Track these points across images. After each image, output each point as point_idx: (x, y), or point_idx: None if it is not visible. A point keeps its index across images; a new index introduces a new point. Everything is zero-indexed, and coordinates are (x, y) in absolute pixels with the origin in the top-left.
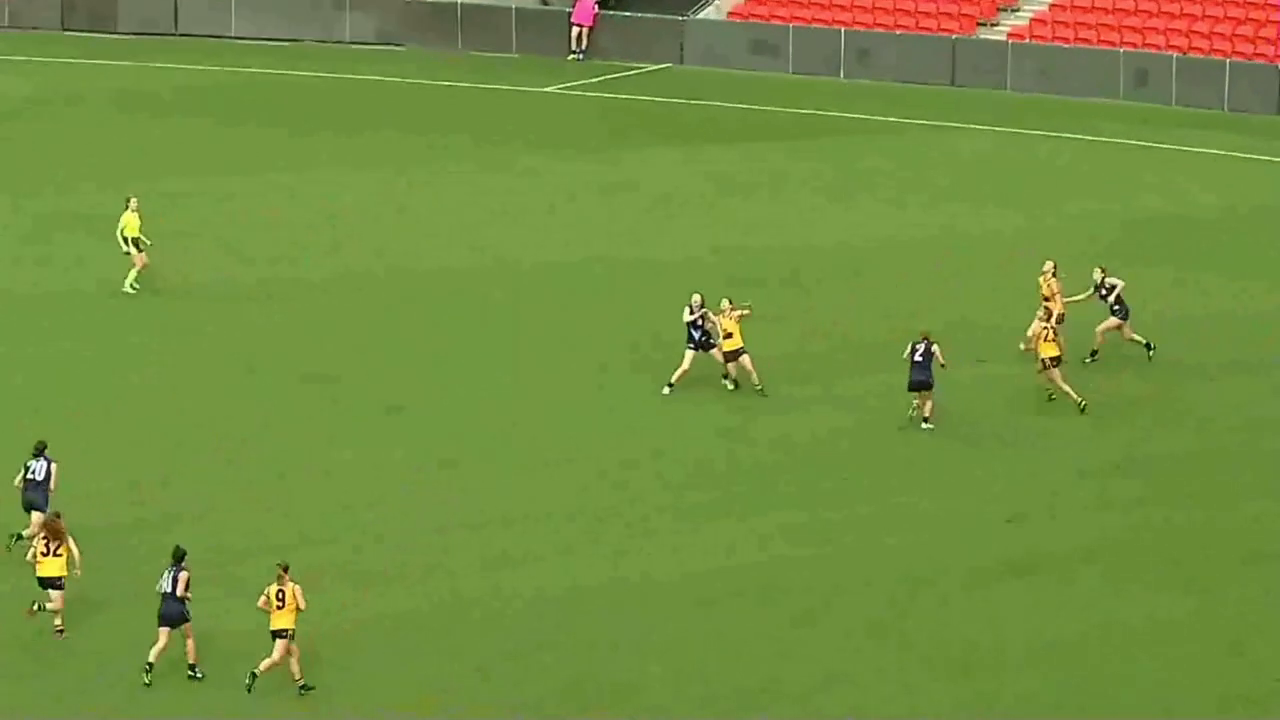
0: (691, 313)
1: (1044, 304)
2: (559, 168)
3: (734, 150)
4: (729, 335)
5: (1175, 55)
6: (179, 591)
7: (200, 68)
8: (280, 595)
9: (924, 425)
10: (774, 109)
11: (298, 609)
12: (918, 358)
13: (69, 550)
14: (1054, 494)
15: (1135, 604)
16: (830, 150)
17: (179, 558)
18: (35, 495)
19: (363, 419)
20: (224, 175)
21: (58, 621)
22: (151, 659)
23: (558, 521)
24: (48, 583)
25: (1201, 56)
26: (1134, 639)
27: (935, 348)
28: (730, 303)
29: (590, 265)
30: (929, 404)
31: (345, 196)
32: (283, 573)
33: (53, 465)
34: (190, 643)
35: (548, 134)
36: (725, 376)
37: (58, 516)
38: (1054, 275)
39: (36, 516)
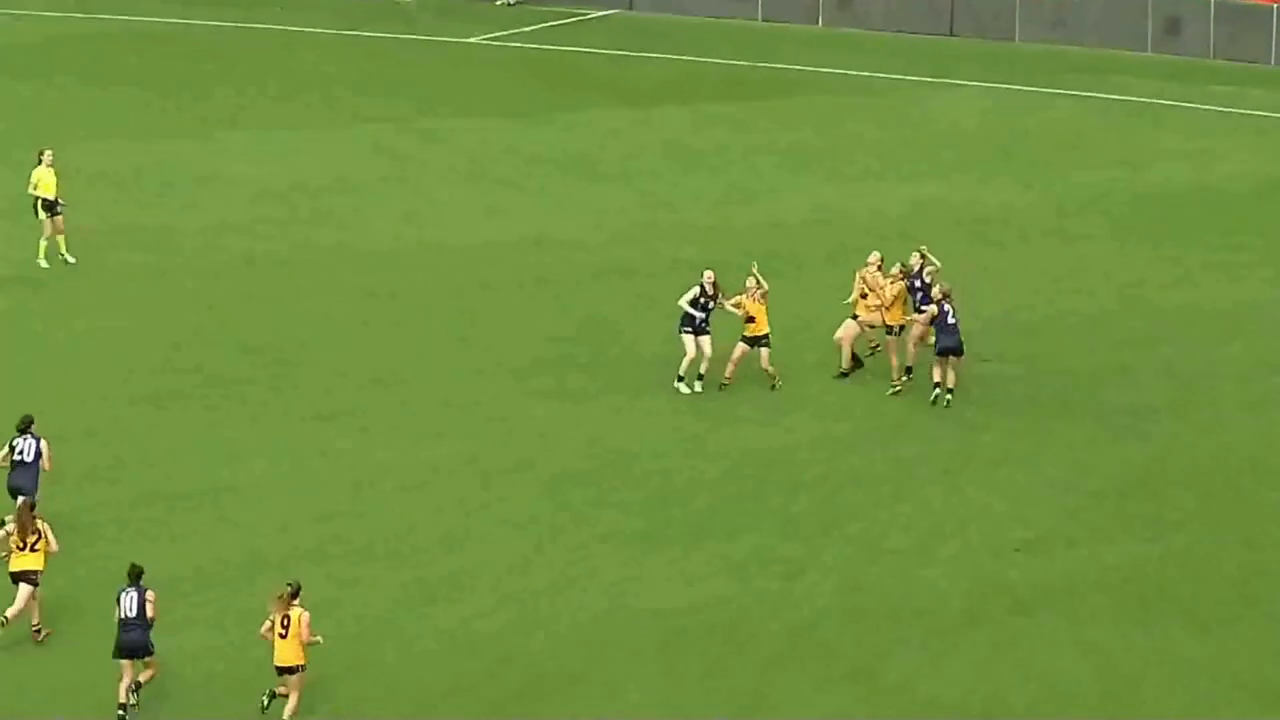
0: (703, 293)
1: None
2: (484, 134)
3: (692, 113)
4: (751, 319)
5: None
6: (148, 615)
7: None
8: (285, 622)
9: (946, 398)
10: (741, 63)
11: (303, 642)
12: (950, 320)
13: (47, 544)
14: (1070, 516)
15: (1155, 646)
16: (806, 112)
17: (136, 576)
18: (22, 479)
19: (279, 429)
20: (85, 141)
21: (35, 621)
22: (122, 698)
23: (491, 547)
24: (19, 577)
25: (1245, 1)
26: (1153, 685)
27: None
28: (758, 281)
29: (520, 248)
30: (953, 374)
31: (227, 166)
32: (287, 596)
33: (42, 443)
34: (150, 674)
35: (471, 94)
36: (698, 379)
37: (32, 507)
38: (879, 269)
39: (23, 501)
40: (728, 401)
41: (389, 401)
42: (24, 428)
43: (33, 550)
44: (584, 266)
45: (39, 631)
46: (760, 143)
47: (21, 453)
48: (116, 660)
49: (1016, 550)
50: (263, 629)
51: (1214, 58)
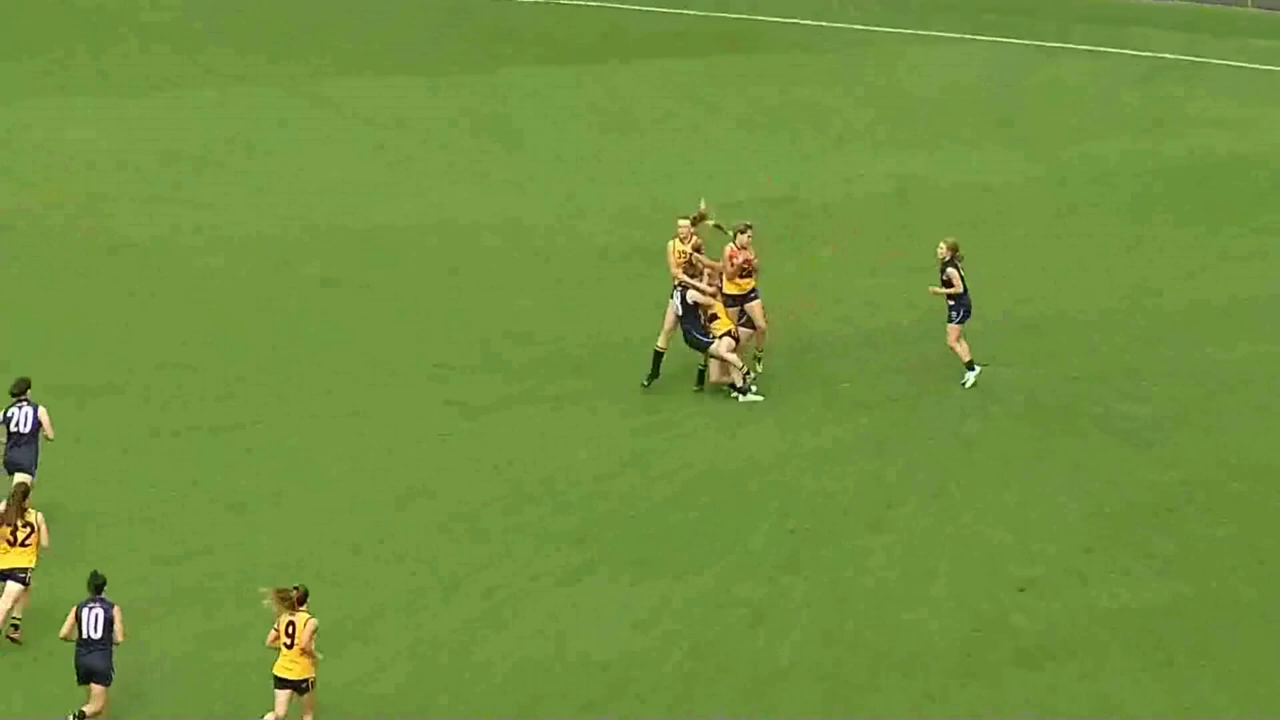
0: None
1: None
2: (387, 96)
3: (636, 71)
4: (714, 318)
5: None
6: (116, 635)
7: None
8: (290, 630)
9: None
10: (692, 14)
11: (308, 655)
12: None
13: (39, 537)
14: (1080, 547)
15: (1181, 703)
16: (768, 70)
17: (99, 588)
18: (22, 454)
19: (149, 447)
20: None
21: (15, 616)
22: None
23: (389, 588)
24: (6, 575)
25: None
26: None
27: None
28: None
29: (429, 233)
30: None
31: (81, 134)
32: (294, 599)
33: (41, 410)
34: (99, 707)
35: (372, 48)
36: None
37: (25, 494)
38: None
39: (21, 479)
40: (676, 411)
41: (279, 413)
42: (19, 393)
43: (22, 545)
44: (503, 254)
45: (16, 629)
46: (711, 107)
47: (18, 424)
48: (83, 685)
49: (1020, 590)
50: (270, 637)
51: (1252, 6)
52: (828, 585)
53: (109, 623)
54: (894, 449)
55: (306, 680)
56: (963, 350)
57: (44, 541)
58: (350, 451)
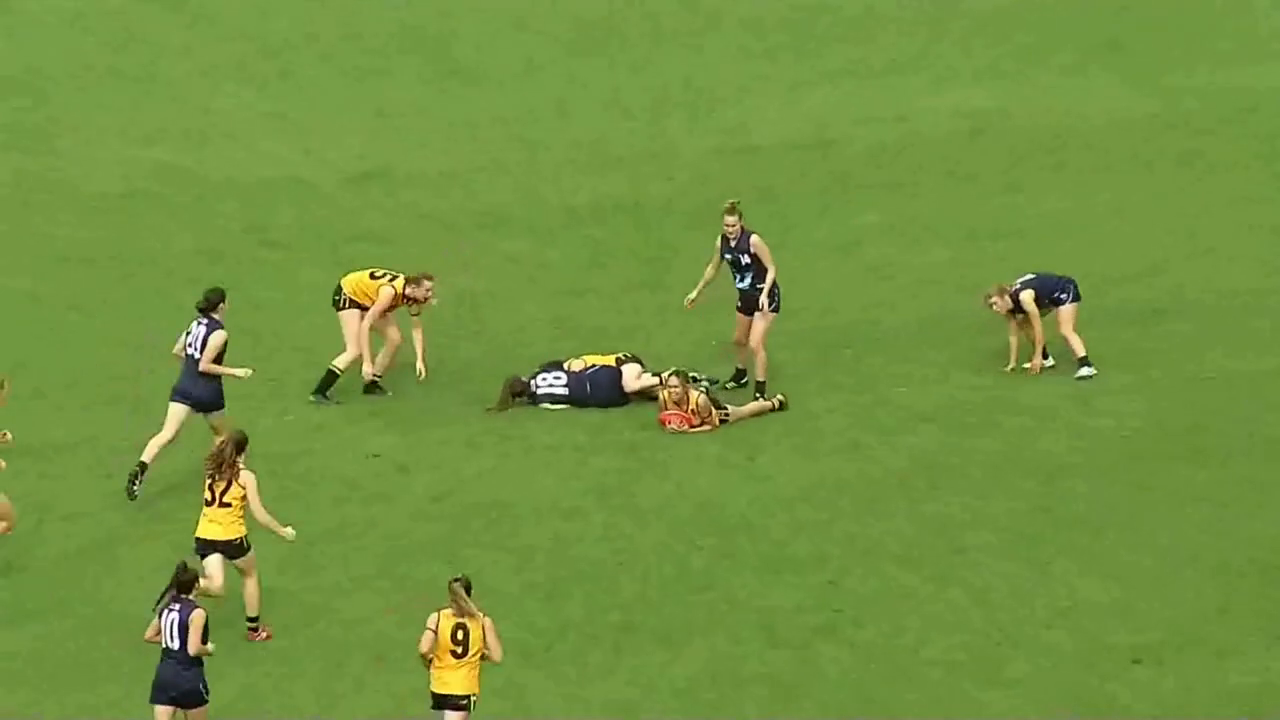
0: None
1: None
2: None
3: None
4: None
5: None
6: (191, 646)
7: None
8: (461, 635)
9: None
10: None
11: (481, 661)
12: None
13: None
14: (1204, 606)
15: None
16: None
17: (185, 584)
18: (192, 382)
19: None
20: None
21: (251, 610)
22: None
23: (274, 665)
24: (207, 546)
25: None
26: None
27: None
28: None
29: (323, 186)
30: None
31: None
32: (461, 592)
33: (215, 335)
34: None
35: None
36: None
37: (240, 447)
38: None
39: (215, 420)
40: (647, 439)
41: (115, 428)
42: (206, 307)
43: (221, 504)
44: (428, 215)
45: (256, 629)
46: (711, 15)
47: (191, 343)
48: (154, 705)
49: (1135, 662)
50: (423, 644)
51: None
52: (877, 656)
53: (185, 629)
54: (960, 476)
55: (472, 698)
56: (1077, 342)
57: (255, 505)
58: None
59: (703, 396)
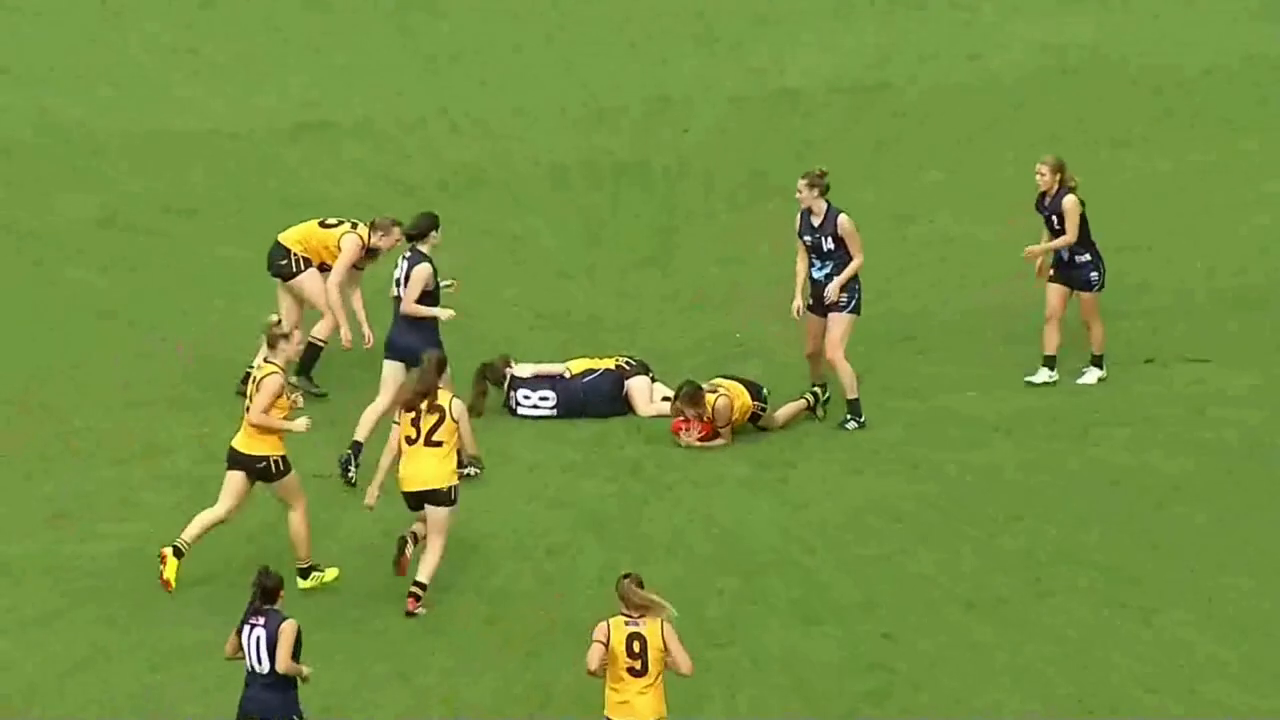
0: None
1: None
2: None
3: None
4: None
5: None
6: (281, 663)
7: None
8: (638, 647)
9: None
10: None
11: (661, 673)
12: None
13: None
14: None
15: None
16: None
17: (269, 592)
18: (402, 331)
19: None
20: None
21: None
22: None
23: None
24: (419, 498)
25: None
26: None
27: None
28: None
29: (258, 139)
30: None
31: None
32: (634, 589)
33: (419, 268)
34: None
35: None
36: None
37: (439, 368)
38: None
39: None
40: (669, 449)
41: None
42: (417, 234)
43: (429, 443)
44: (380, 176)
45: (419, 599)
46: None
47: (398, 279)
48: None
49: None
50: (593, 661)
51: None
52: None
53: (273, 645)
54: (1043, 502)
55: None
56: (1098, 328)
57: (465, 438)
58: (95, 504)
59: (722, 399)
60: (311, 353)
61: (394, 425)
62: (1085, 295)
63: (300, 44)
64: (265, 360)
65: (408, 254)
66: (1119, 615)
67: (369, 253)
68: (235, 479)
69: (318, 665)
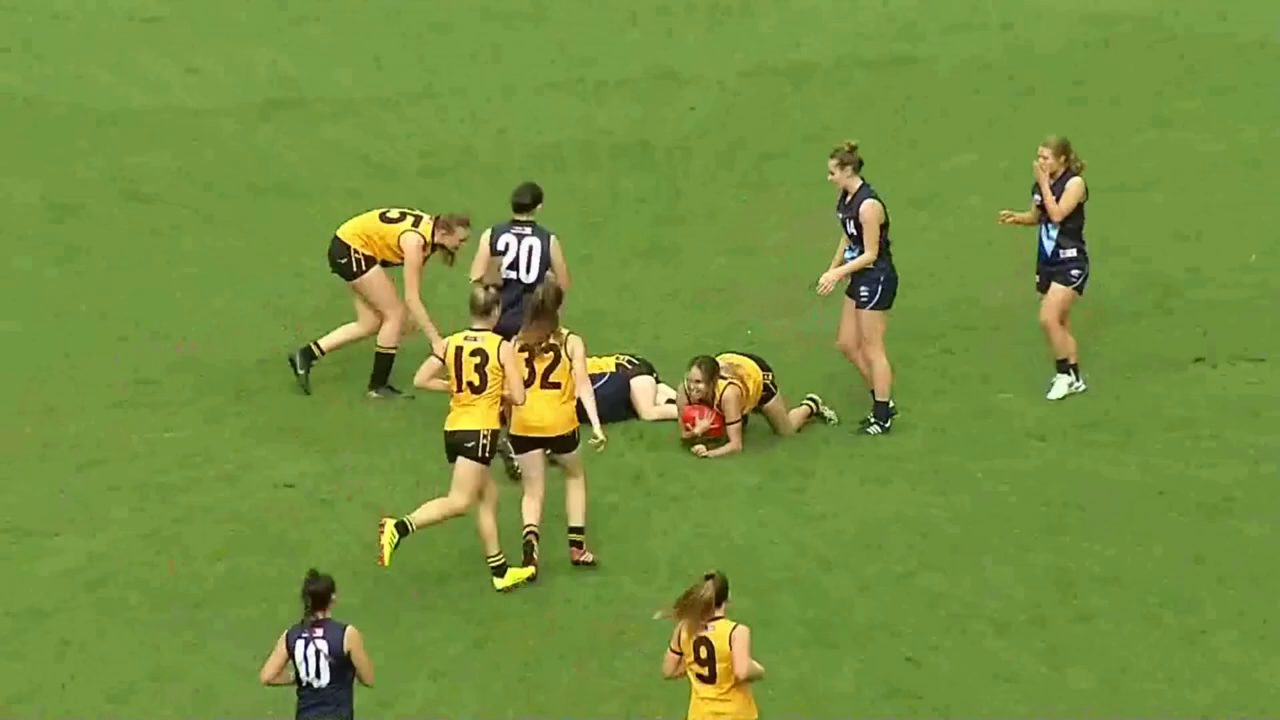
0: None
1: None
2: None
3: None
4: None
5: None
6: (363, 670)
7: None
8: (705, 653)
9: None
10: None
11: (738, 685)
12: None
13: (572, 373)
14: None
15: None
16: None
17: (321, 597)
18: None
19: None
20: None
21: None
22: None
23: None
24: (555, 445)
25: None
26: None
27: None
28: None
29: (225, 116)
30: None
31: None
32: (711, 596)
33: (554, 243)
34: None
35: None
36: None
37: (558, 299)
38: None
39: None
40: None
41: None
42: (525, 205)
43: (546, 385)
44: (357, 157)
45: (582, 545)
46: None
47: (516, 263)
48: None
49: None
50: (665, 666)
51: None
52: None
53: (337, 660)
54: (1084, 515)
55: None
56: (1063, 339)
57: (580, 383)
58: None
59: (731, 389)
60: (383, 363)
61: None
62: (1060, 290)
63: (273, 14)
64: (477, 329)
65: (516, 230)
66: (1164, 638)
67: (435, 250)
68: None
69: (287, 693)
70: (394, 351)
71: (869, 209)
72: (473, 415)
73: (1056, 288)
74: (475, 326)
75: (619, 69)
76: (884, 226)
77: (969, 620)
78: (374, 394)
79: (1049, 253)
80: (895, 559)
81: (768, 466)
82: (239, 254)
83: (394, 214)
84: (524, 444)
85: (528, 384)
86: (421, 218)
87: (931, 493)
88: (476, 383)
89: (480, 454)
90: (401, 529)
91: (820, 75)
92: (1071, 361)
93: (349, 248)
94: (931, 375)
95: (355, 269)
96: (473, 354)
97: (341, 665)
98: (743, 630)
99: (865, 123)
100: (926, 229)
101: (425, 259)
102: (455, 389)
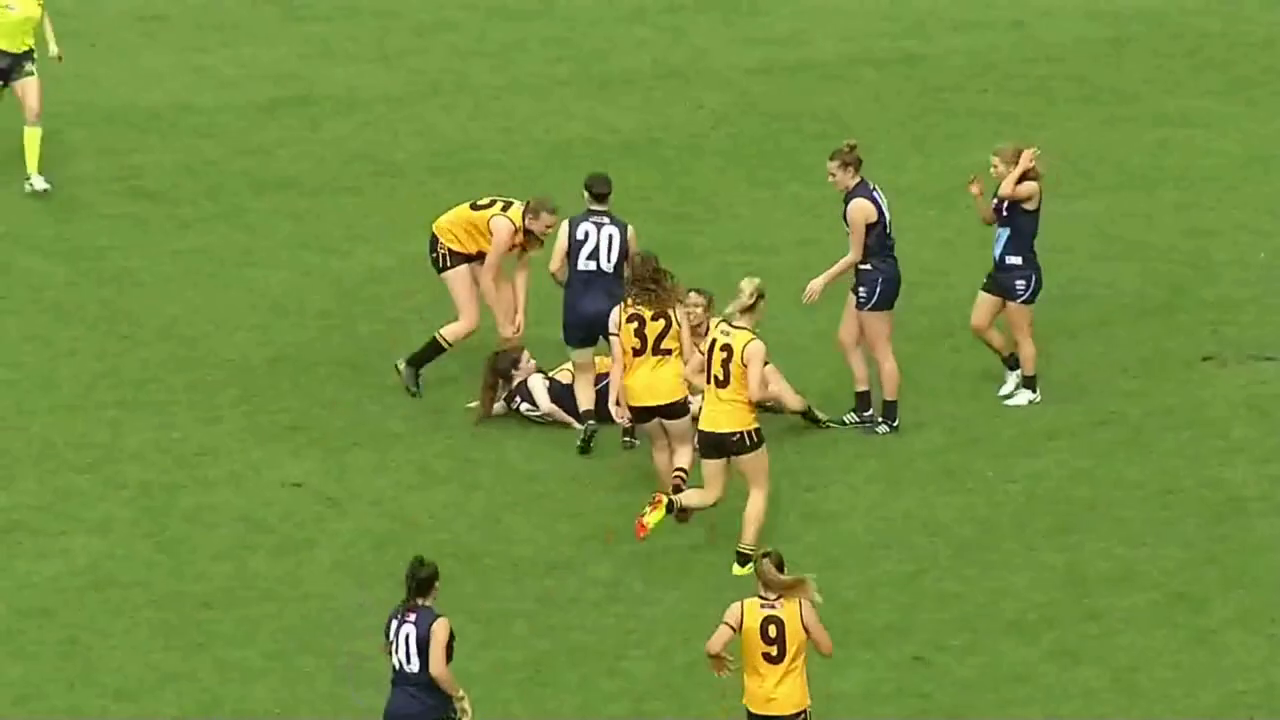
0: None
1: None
2: None
3: None
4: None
5: None
6: (435, 664)
7: None
8: (774, 631)
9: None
10: None
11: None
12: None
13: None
14: None
15: None
16: None
17: (424, 584)
18: (597, 299)
19: None
20: None
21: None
22: None
23: None
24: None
25: None
26: None
27: None
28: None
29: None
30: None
31: None
32: (772, 569)
33: (630, 232)
34: None
35: None
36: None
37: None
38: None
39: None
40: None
41: None
42: (607, 192)
43: (657, 352)
44: (363, 156)
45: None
46: None
47: (596, 251)
48: None
49: None
50: (716, 643)
51: None
52: None
53: (425, 646)
54: (1097, 515)
55: (802, 713)
56: (1027, 346)
57: (686, 349)
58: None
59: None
60: (431, 350)
61: (613, 338)
62: (1011, 306)
63: (278, 11)
64: (733, 326)
65: (594, 219)
66: (1175, 638)
67: (527, 236)
68: (715, 466)
69: (293, 694)
70: (447, 347)
71: (855, 209)
72: (732, 415)
73: (1011, 307)
74: (735, 324)
75: (627, 66)
76: (874, 226)
77: (979, 620)
78: (402, 366)
79: (996, 257)
80: (905, 559)
81: (778, 466)
82: (244, 252)
83: (484, 201)
84: (640, 414)
85: (639, 352)
86: (511, 203)
87: (942, 492)
88: (721, 377)
89: (748, 445)
90: (669, 507)
91: (829, 72)
92: (1028, 373)
93: (436, 241)
94: (942, 374)
95: (441, 264)
96: (722, 348)
97: (424, 651)
98: (810, 605)
99: (875, 120)
100: (937, 227)
101: (514, 246)
102: (705, 381)
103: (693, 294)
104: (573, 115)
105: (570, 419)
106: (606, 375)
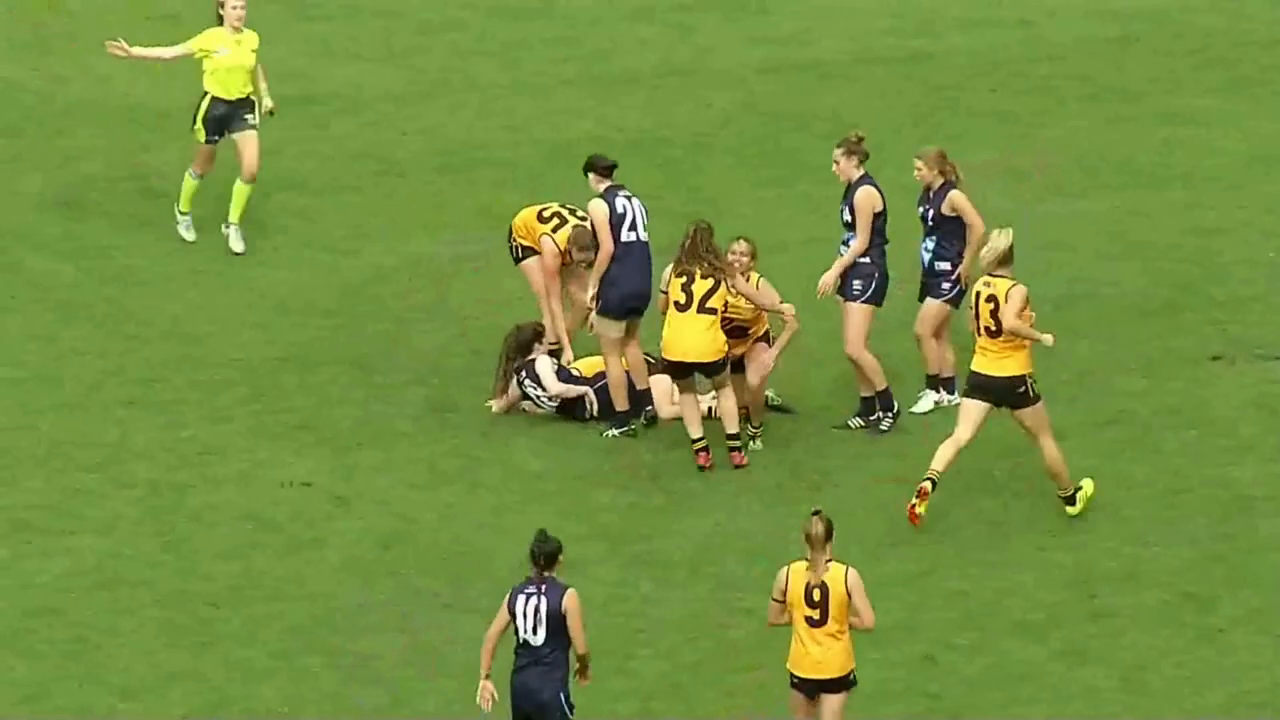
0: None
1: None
2: None
3: None
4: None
5: None
6: (575, 636)
7: None
8: (818, 595)
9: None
10: None
11: (845, 630)
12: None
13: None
14: None
15: None
16: None
17: (550, 556)
18: (638, 278)
19: None
20: None
21: None
22: None
23: None
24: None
25: None
26: None
27: None
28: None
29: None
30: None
31: None
32: (821, 531)
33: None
34: None
35: None
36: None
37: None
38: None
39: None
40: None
41: None
42: (612, 165)
43: (702, 309)
44: (366, 154)
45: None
46: None
47: (634, 223)
48: None
49: None
50: (771, 616)
51: None
52: None
53: (555, 619)
54: (1104, 513)
55: (849, 678)
56: (938, 354)
57: (767, 302)
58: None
59: (765, 283)
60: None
61: (661, 294)
62: (932, 305)
63: (283, 10)
64: (993, 275)
65: (622, 193)
66: (1182, 637)
67: (571, 257)
68: (976, 408)
69: (300, 693)
70: (553, 345)
71: (863, 195)
72: (1009, 363)
73: (930, 302)
74: (995, 273)
75: (632, 65)
76: (879, 216)
77: (986, 619)
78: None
79: (925, 263)
80: (912, 557)
81: (787, 465)
82: (250, 251)
83: (547, 213)
84: (677, 369)
85: (683, 307)
86: (566, 223)
87: (949, 491)
88: (993, 327)
89: (1028, 397)
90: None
91: (835, 71)
92: (943, 376)
93: (511, 233)
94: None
95: (515, 255)
96: (987, 299)
97: (558, 625)
98: (856, 573)
99: (881, 119)
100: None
101: (564, 264)
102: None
103: (741, 242)
104: (578, 114)
105: (584, 388)
106: (603, 375)
